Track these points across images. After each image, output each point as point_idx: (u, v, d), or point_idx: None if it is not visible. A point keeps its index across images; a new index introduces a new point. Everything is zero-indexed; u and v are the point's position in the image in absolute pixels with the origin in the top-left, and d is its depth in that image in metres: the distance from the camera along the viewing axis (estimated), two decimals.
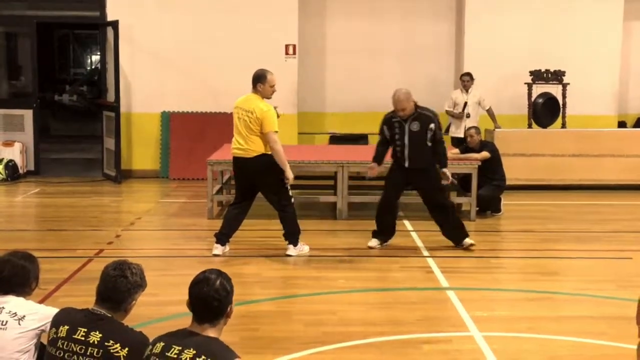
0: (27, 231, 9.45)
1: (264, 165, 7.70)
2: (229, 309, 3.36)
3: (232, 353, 3.21)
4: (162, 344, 3.26)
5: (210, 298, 3.29)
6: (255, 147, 7.66)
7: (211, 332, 3.30)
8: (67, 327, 3.46)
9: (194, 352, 3.16)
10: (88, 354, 3.38)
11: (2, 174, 12.69)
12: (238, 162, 7.84)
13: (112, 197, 11.78)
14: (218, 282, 3.34)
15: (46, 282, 5.66)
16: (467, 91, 12.21)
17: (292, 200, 7.96)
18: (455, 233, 8.32)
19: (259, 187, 7.93)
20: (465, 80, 12.23)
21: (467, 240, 8.27)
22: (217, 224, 8.21)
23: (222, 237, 7.97)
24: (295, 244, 8.00)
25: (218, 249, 7.94)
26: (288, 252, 7.98)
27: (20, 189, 12.23)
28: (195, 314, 3.34)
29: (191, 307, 3.35)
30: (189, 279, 3.46)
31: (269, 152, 7.70)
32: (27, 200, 11.45)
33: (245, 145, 7.69)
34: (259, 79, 7.68)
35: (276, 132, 7.62)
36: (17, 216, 10.60)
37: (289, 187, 7.90)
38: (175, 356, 3.18)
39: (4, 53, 15.57)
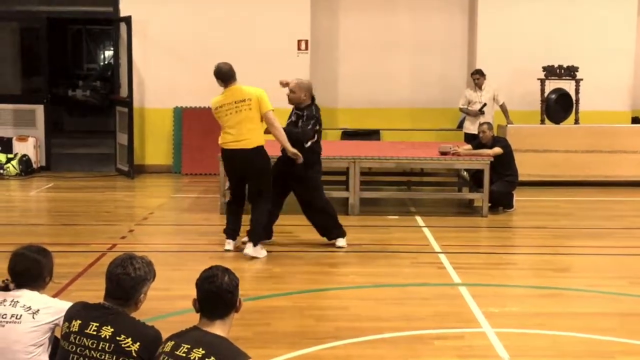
0: (41, 225, 9.52)
1: (261, 157, 7.69)
2: (238, 302, 3.38)
3: (243, 355, 3.20)
4: (172, 342, 3.26)
5: (223, 291, 3.31)
6: (255, 138, 7.61)
7: (221, 329, 3.29)
8: (80, 322, 3.47)
9: (203, 352, 3.15)
10: (100, 348, 3.38)
11: (16, 169, 12.76)
12: (234, 153, 7.69)
13: (125, 192, 11.84)
14: (226, 276, 3.36)
15: (60, 276, 5.70)
16: (480, 89, 12.10)
17: (270, 204, 7.83)
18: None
19: (248, 179, 7.83)
20: (476, 78, 12.10)
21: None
22: None
23: (231, 233, 7.97)
24: (255, 244, 7.75)
25: (230, 245, 7.94)
26: (245, 250, 7.77)
27: (34, 183, 12.29)
28: (205, 310, 3.33)
29: (200, 305, 3.35)
30: None
31: (262, 144, 7.69)
32: (40, 195, 11.51)
33: (247, 135, 7.57)
34: (234, 76, 7.65)
35: (272, 110, 7.63)
36: (31, 211, 10.68)
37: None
38: (184, 355, 3.17)
39: (17, 49, 15.61)
